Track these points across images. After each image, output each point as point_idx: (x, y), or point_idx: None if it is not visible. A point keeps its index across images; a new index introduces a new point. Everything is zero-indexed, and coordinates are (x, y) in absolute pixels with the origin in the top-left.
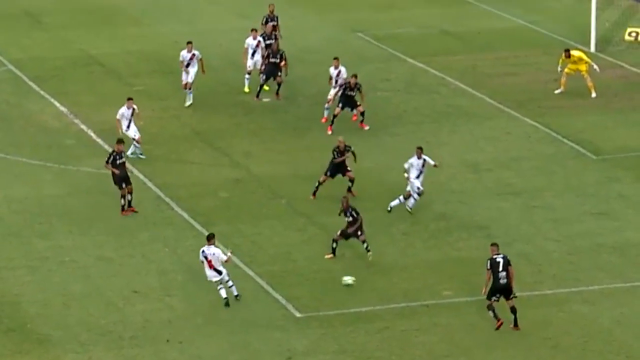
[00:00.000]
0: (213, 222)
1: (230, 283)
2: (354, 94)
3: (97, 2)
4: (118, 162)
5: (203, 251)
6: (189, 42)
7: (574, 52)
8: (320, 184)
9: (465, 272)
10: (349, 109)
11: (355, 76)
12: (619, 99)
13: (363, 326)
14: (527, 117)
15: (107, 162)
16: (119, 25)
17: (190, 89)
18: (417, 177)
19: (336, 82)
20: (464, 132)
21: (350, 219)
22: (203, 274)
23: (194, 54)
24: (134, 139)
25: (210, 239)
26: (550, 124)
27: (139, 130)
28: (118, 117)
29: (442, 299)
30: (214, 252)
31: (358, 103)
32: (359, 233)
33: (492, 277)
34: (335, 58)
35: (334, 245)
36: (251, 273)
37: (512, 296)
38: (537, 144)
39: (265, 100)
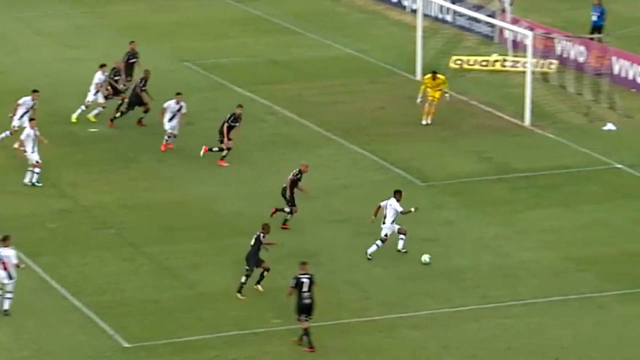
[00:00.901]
0: (40, 253)
1: (9, 295)
2: (238, 125)
3: None
4: None
5: None
6: (35, 91)
7: (439, 75)
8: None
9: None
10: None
11: (241, 106)
12: (445, 127)
13: (192, 355)
14: (354, 144)
15: None
16: None
17: (12, 134)
18: (393, 222)
19: (173, 116)
20: (292, 160)
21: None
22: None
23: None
24: (37, 162)
25: (5, 240)
26: (377, 152)
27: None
28: (23, 137)
29: (272, 327)
30: (8, 254)
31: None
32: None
33: (297, 295)
34: (179, 93)
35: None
36: (78, 304)
37: (309, 317)
38: (364, 172)
39: (92, 130)
